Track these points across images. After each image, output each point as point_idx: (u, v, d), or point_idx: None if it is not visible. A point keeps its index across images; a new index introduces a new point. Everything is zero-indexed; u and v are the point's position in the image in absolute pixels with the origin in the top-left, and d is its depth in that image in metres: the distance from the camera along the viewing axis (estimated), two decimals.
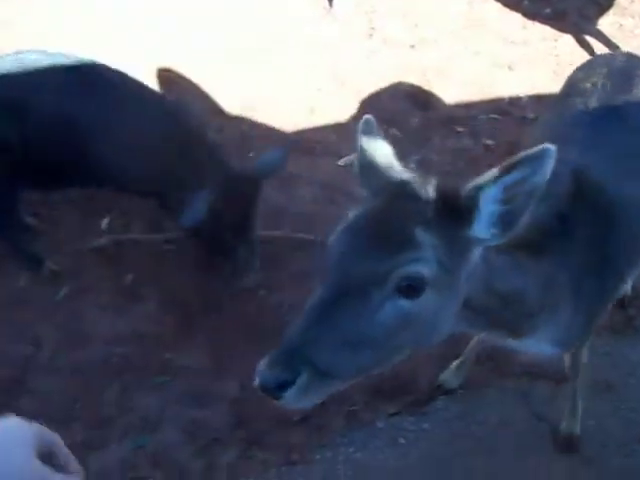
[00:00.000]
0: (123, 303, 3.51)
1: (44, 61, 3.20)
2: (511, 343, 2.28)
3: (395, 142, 4.15)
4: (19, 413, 2.78)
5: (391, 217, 1.66)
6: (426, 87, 4.81)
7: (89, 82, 3.27)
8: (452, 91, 4.79)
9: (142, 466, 3.00)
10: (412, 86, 4.81)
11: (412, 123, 4.55)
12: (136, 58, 4.65)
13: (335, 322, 1.59)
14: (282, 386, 1.61)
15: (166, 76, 4.69)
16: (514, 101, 4.76)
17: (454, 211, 1.65)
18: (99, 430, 3.12)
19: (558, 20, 5.51)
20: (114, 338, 3.35)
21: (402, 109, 4.64)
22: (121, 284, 3.59)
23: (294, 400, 1.61)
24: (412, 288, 1.59)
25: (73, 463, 1.16)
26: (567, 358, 3.00)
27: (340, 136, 4.38)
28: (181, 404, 3.18)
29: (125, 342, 3.34)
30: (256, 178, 3.43)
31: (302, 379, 1.58)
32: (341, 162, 4.22)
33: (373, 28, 5.20)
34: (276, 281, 3.61)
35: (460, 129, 4.51)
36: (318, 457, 3.04)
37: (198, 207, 3.17)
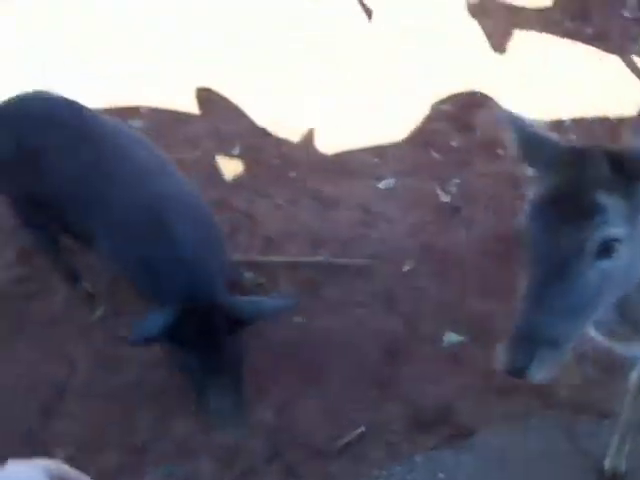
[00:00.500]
0: None
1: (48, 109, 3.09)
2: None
3: (434, 164, 4.17)
4: (51, 435, 2.76)
5: (574, 186, 1.76)
6: (466, 108, 4.71)
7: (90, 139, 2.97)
8: (493, 113, 4.68)
9: None
10: (452, 107, 4.71)
11: (452, 145, 4.45)
12: (170, 74, 4.64)
13: (552, 298, 1.74)
14: (523, 368, 1.75)
15: (205, 95, 4.66)
16: (557, 124, 4.65)
17: (626, 170, 1.76)
18: (133, 456, 3.06)
19: (601, 41, 5.38)
20: (150, 362, 3.27)
21: (442, 130, 4.55)
22: None
23: (537, 375, 1.75)
24: (609, 249, 1.71)
25: None
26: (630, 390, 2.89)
27: (380, 158, 4.31)
28: (217, 432, 3.11)
29: (161, 366, 3.27)
30: (237, 314, 2.71)
31: (539, 357, 1.73)
32: (381, 185, 4.14)
33: (412, 47, 5.10)
34: (313, 308, 3.53)
35: (501, 152, 4.40)
36: None
37: (148, 325, 2.64)
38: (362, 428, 3.11)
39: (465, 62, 4.94)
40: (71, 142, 2.90)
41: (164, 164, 3.03)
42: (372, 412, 3.17)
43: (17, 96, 3.16)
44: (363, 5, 5.29)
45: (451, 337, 3.43)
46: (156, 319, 2.61)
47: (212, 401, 2.71)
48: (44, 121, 2.99)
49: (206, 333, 2.60)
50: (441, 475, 3.02)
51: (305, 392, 3.24)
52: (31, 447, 3.06)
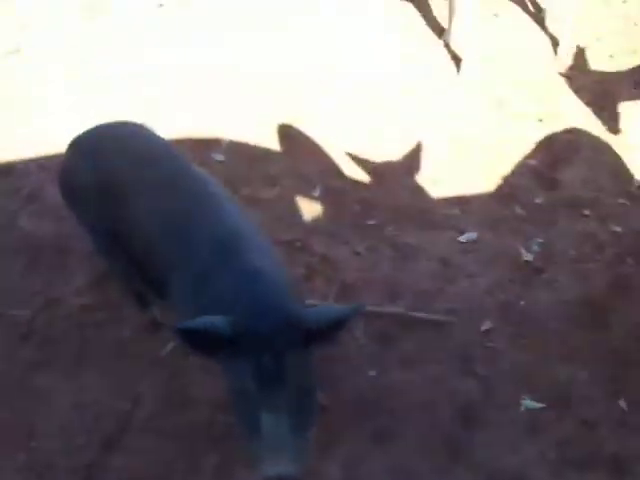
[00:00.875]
0: None
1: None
2: None
3: (518, 220, 4.03)
4: (112, 470, 2.68)
5: None
6: (552, 164, 4.57)
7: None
8: (580, 170, 4.54)
9: None
10: (538, 162, 4.58)
11: (536, 202, 4.31)
12: (253, 107, 4.60)
13: None
14: None
15: (286, 131, 4.60)
16: None
17: None
18: None
19: None
20: (219, 404, 3.17)
21: (526, 186, 4.41)
22: None
23: None
24: None
25: None
26: None
27: (463, 210, 4.19)
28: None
29: (230, 409, 3.17)
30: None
31: None
32: (462, 238, 4.02)
33: (500, 99, 4.99)
34: (387, 361, 3.40)
35: (586, 212, 4.25)
36: None
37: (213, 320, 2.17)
38: None
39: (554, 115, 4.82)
40: (157, 179, 2.79)
41: (233, 201, 2.85)
42: (442, 476, 3.03)
43: (104, 125, 3.10)
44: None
45: (529, 403, 3.27)
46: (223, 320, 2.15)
47: (265, 423, 2.09)
48: (132, 154, 2.90)
49: (268, 341, 2.10)
50: None
51: (374, 449, 3.10)
52: None
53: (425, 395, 3.28)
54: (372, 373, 3.36)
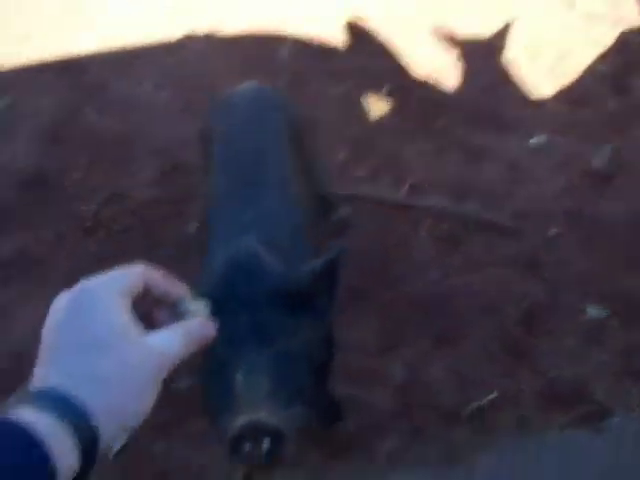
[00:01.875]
0: None
1: None
2: None
3: (589, 126, 3.84)
4: None
5: None
6: (625, 69, 4.34)
7: None
8: None
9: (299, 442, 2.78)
10: (610, 67, 4.35)
11: (608, 107, 4.10)
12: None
13: None
14: None
15: (355, 27, 4.42)
16: None
17: None
18: None
19: None
20: None
21: (598, 91, 4.20)
22: None
23: None
24: None
25: (175, 291, 0.98)
26: None
27: (533, 113, 4.00)
28: (343, 382, 2.94)
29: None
30: None
31: None
32: (532, 141, 3.84)
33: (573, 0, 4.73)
34: (451, 263, 3.30)
35: None
36: (482, 460, 2.75)
37: None
38: (494, 395, 2.89)
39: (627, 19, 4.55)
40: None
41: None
42: (504, 380, 2.94)
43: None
44: None
45: (594, 311, 3.16)
46: None
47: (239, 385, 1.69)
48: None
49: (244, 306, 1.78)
50: (574, 455, 2.79)
51: (437, 351, 3.02)
52: None
53: (489, 299, 3.17)
54: (436, 275, 3.25)
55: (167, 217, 3.54)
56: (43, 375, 0.84)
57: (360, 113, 3.98)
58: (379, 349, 3.02)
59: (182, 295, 0.98)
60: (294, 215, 2.35)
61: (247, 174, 2.41)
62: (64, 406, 0.79)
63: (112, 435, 0.83)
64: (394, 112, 3.98)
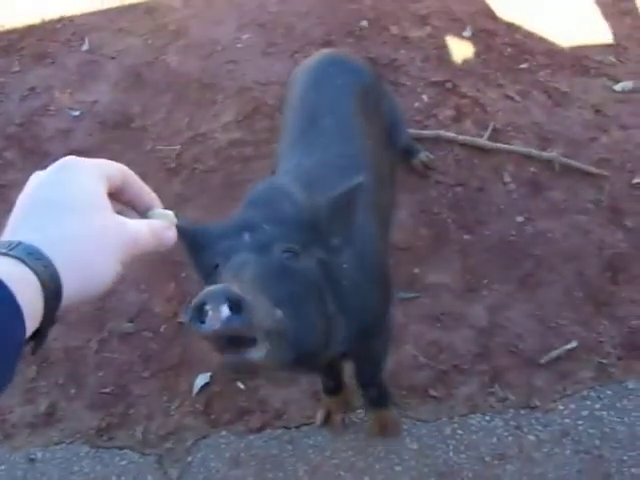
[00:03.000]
0: None
1: None
2: None
3: None
4: None
5: None
6: None
7: None
8: None
9: None
10: None
11: None
12: None
13: None
14: None
15: None
16: None
17: None
18: None
19: None
20: None
21: None
22: None
23: None
24: None
25: (147, 197, 1.01)
26: None
27: (619, 58, 3.83)
28: (425, 324, 2.88)
29: None
30: None
31: None
32: (617, 87, 3.68)
33: None
34: (535, 208, 3.19)
35: None
36: (560, 407, 2.67)
37: None
38: (574, 343, 2.80)
39: None
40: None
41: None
42: (586, 329, 2.85)
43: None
44: None
45: None
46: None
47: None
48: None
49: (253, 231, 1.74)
50: None
51: (519, 296, 2.94)
52: None
53: (572, 245, 3.07)
54: (520, 219, 3.16)
55: (248, 158, 3.49)
56: (12, 230, 0.85)
57: (442, 56, 3.85)
58: (461, 292, 2.95)
59: (152, 204, 1.01)
60: (350, 169, 2.20)
61: (307, 127, 2.40)
62: (29, 255, 0.80)
63: (73, 292, 0.84)
64: (477, 56, 3.85)
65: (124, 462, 2.71)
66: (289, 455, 2.64)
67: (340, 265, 1.83)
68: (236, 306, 1.28)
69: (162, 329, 3.00)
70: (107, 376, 2.92)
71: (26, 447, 2.78)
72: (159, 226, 0.97)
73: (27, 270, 0.80)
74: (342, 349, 1.94)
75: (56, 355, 3.00)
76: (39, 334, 0.84)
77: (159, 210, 1.01)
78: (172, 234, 0.99)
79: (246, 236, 1.64)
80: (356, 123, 2.45)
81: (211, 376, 2.84)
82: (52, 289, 0.82)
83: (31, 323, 0.80)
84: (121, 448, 2.74)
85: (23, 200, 0.89)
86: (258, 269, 1.52)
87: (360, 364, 2.44)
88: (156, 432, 2.75)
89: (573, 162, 3.30)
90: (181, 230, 1.81)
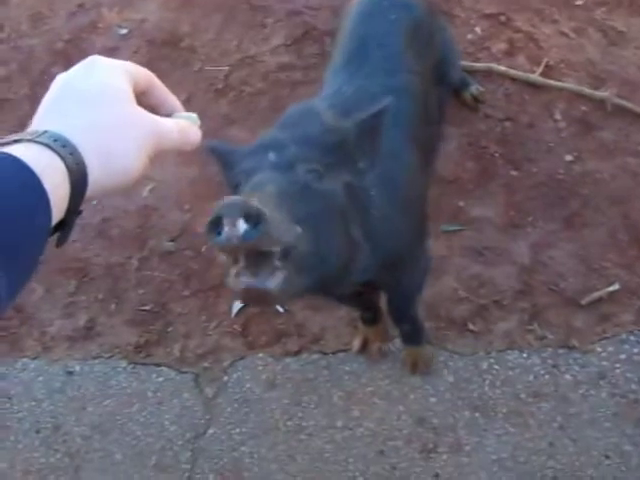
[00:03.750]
0: None
1: None
2: None
3: None
4: None
5: None
6: None
7: None
8: None
9: None
10: None
11: None
12: None
13: None
14: None
15: None
16: None
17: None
18: None
19: None
20: None
21: None
22: None
23: None
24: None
25: (171, 102, 1.00)
26: None
27: None
28: (467, 257, 2.82)
29: None
30: None
31: None
32: None
33: None
34: (584, 148, 3.08)
35: None
36: (599, 349, 2.61)
37: None
38: (616, 286, 2.73)
39: None
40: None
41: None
42: (629, 272, 2.77)
43: None
44: None
45: None
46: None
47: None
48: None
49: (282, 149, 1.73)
50: None
51: (564, 235, 2.86)
52: None
53: (620, 187, 2.97)
54: (568, 158, 3.05)
55: (297, 83, 3.41)
56: (38, 120, 0.84)
57: None
58: (505, 227, 2.88)
59: (176, 109, 1.00)
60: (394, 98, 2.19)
61: (354, 56, 2.34)
62: (55, 142, 0.79)
63: (99, 181, 0.83)
64: None
65: (161, 379, 2.71)
66: (325, 380, 2.62)
67: (367, 191, 1.80)
68: (254, 219, 1.26)
69: (203, 249, 2.97)
70: (147, 294, 2.91)
71: (64, 360, 2.79)
72: (185, 124, 0.97)
73: (54, 156, 0.79)
74: (366, 277, 1.89)
75: (96, 271, 2.99)
76: (65, 225, 0.83)
77: (183, 113, 1.01)
78: (197, 133, 0.99)
79: (271, 155, 1.62)
80: (404, 59, 2.38)
81: None
82: (78, 176, 0.81)
83: (57, 210, 0.79)
84: (158, 365, 2.74)
85: (50, 94, 0.88)
86: (278, 186, 1.50)
87: (392, 298, 2.41)
88: (194, 351, 2.75)
89: (626, 103, 3.17)
90: (214, 148, 1.84)
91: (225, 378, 2.67)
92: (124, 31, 3.82)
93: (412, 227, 2.14)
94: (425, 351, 2.62)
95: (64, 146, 0.80)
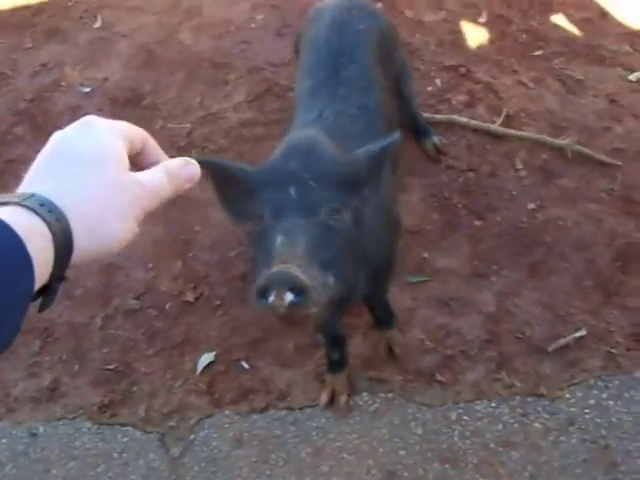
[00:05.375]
0: None
1: None
2: None
3: None
4: None
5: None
6: None
7: None
8: None
9: (382, 368, 2.73)
10: None
11: None
12: None
13: None
14: None
15: None
16: None
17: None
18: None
19: None
20: None
21: None
22: None
23: None
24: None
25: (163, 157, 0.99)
26: None
27: (633, 47, 3.76)
28: (433, 308, 2.85)
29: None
30: None
31: None
32: (632, 77, 3.62)
33: None
34: (546, 196, 3.14)
35: None
36: (567, 395, 2.63)
37: None
38: (583, 332, 2.76)
39: None
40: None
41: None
42: (595, 318, 2.81)
43: None
44: None
45: None
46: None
47: (277, 242, 1.71)
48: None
49: (293, 178, 1.84)
50: None
51: (529, 283, 2.90)
52: None
53: (583, 234, 3.02)
54: (531, 206, 3.11)
55: (259, 138, 3.45)
56: (28, 182, 0.84)
57: (457, 41, 3.80)
58: (470, 277, 2.92)
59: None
60: (368, 121, 2.35)
61: (328, 75, 2.43)
62: (41, 206, 0.79)
63: (84, 247, 0.83)
64: (491, 41, 3.79)
65: (126, 439, 2.68)
66: (292, 436, 2.61)
67: (364, 212, 1.92)
68: (299, 290, 1.48)
69: (167, 307, 2.97)
70: (111, 353, 2.89)
71: (28, 422, 2.76)
72: (175, 165, 0.95)
73: (39, 221, 0.78)
74: (365, 291, 2.07)
75: (60, 330, 2.97)
76: (48, 289, 0.82)
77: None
78: (193, 168, 0.97)
79: (292, 191, 1.73)
80: (375, 74, 2.52)
81: (216, 355, 2.81)
82: (63, 242, 0.81)
83: (41, 274, 0.78)
84: (123, 425, 2.72)
85: (42, 154, 0.87)
86: (309, 236, 1.65)
87: (371, 293, 2.51)
88: (159, 410, 2.73)
89: (586, 150, 3.25)
90: (214, 164, 1.92)
91: (191, 437, 2.64)
92: (87, 89, 3.86)
93: (394, 238, 2.38)
94: (397, 335, 2.74)
95: (50, 211, 0.80)
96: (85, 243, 0.83)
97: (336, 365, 2.65)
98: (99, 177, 0.85)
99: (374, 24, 2.65)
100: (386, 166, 1.93)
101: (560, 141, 3.27)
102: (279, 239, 1.64)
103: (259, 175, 1.82)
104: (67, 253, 0.82)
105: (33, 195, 0.80)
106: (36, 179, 0.85)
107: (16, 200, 0.79)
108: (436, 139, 3.28)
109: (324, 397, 2.68)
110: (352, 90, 2.38)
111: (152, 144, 0.97)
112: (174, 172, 0.94)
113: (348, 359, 2.66)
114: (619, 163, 3.23)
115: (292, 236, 1.64)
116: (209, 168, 1.85)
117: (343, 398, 2.66)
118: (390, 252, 2.38)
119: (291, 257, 1.57)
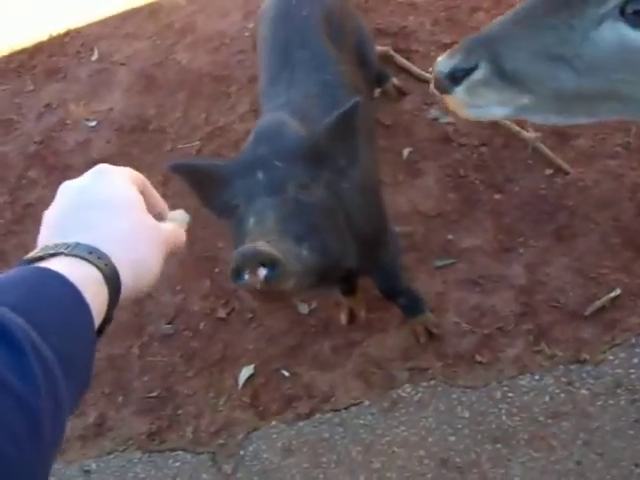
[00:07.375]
0: (402, 179, 3.17)
1: None
2: None
3: None
4: None
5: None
6: None
7: None
8: None
9: (421, 357, 2.74)
10: None
11: None
12: None
13: (540, 25, 1.27)
14: (455, 77, 1.33)
15: None
16: None
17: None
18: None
19: None
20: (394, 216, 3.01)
21: None
22: (400, 159, 3.24)
23: (463, 97, 1.34)
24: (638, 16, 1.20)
25: (161, 204, 1.08)
26: None
27: None
28: (464, 289, 2.85)
29: (405, 221, 3.01)
30: None
31: (479, 72, 1.31)
32: None
33: None
34: (563, 158, 3.11)
35: None
36: (610, 357, 2.62)
37: None
38: (617, 291, 2.75)
39: None
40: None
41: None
42: (627, 275, 2.79)
43: None
44: None
45: None
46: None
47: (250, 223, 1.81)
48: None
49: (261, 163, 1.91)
50: None
51: (557, 250, 2.89)
52: None
53: (605, 191, 3.00)
54: (548, 172, 3.09)
55: None
56: (62, 233, 0.87)
57: (452, 17, 3.74)
58: (497, 253, 2.91)
59: (165, 208, 1.08)
60: (333, 94, 2.39)
61: (282, 65, 2.49)
62: (90, 254, 0.83)
63: (129, 288, 0.89)
64: (487, 11, 3.73)
65: (178, 463, 2.73)
66: (341, 437, 2.64)
67: (343, 185, 1.99)
68: (271, 263, 1.53)
69: (201, 327, 3.01)
70: (152, 380, 2.94)
71: (79, 460, 2.82)
72: (177, 227, 1.04)
73: (92, 268, 0.83)
74: (351, 263, 2.08)
75: (100, 365, 3.02)
76: (98, 333, 0.87)
77: (174, 212, 1.11)
78: (183, 235, 1.06)
79: (260, 174, 1.81)
80: (327, 50, 2.55)
81: (255, 367, 2.85)
82: (114, 285, 0.86)
83: (97, 320, 0.83)
84: (173, 450, 2.76)
85: (63, 204, 0.91)
86: (278, 212, 1.72)
87: (378, 280, 2.62)
88: (206, 430, 2.77)
89: (546, 150, 3.20)
90: (179, 166, 2.02)
91: (241, 452, 2.68)
92: (93, 123, 3.91)
93: (378, 209, 2.42)
94: (429, 317, 2.76)
95: (99, 257, 0.84)
96: (130, 283, 0.89)
97: (346, 291, 2.78)
98: (129, 220, 0.91)
99: (316, 6, 2.68)
100: (358, 133, 1.98)
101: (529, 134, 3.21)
102: (251, 220, 1.73)
103: (230, 167, 1.90)
104: (117, 295, 0.87)
105: (78, 244, 0.84)
106: (70, 229, 0.88)
107: (64, 250, 0.83)
108: (395, 80, 3.41)
109: (343, 317, 2.83)
110: (308, 72, 2.44)
111: (149, 187, 1.03)
112: (177, 232, 1.03)
113: (357, 285, 2.77)
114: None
115: (262, 215, 1.72)
116: (181, 171, 1.93)
117: (362, 314, 2.82)
118: (380, 221, 2.42)
119: (261, 234, 1.65)
